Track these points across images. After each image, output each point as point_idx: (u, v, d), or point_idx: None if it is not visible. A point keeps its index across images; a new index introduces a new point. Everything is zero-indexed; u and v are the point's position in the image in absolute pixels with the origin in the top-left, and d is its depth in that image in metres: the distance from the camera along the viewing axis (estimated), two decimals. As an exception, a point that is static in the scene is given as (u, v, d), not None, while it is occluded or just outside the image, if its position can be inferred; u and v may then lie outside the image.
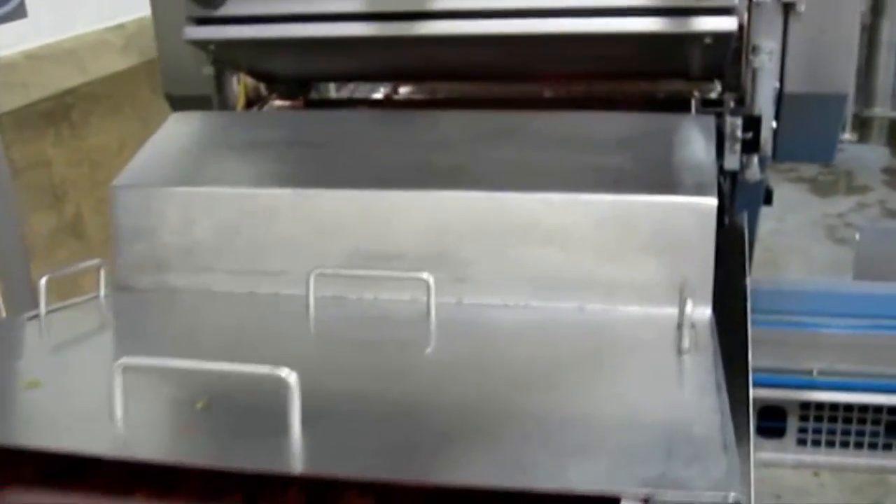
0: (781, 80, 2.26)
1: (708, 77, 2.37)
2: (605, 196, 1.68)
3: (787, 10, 2.20)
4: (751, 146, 2.15)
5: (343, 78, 2.71)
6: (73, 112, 3.62)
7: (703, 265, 1.60)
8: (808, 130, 2.32)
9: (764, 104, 2.22)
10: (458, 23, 1.98)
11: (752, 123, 2.13)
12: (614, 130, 1.92)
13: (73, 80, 3.60)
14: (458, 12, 1.99)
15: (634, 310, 1.61)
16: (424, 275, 1.57)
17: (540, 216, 1.67)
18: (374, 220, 1.73)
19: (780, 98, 2.28)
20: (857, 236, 2.66)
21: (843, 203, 6.16)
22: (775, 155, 2.41)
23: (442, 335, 1.57)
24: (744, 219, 2.26)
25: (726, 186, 2.25)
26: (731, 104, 2.24)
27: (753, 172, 2.20)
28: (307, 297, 1.60)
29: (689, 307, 1.44)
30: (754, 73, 2.14)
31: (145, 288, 1.80)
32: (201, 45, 2.21)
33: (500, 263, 1.67)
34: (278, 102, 2.55)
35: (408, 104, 2.66)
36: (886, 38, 8.02)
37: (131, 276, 1.81)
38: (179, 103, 2.37)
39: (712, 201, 1.63)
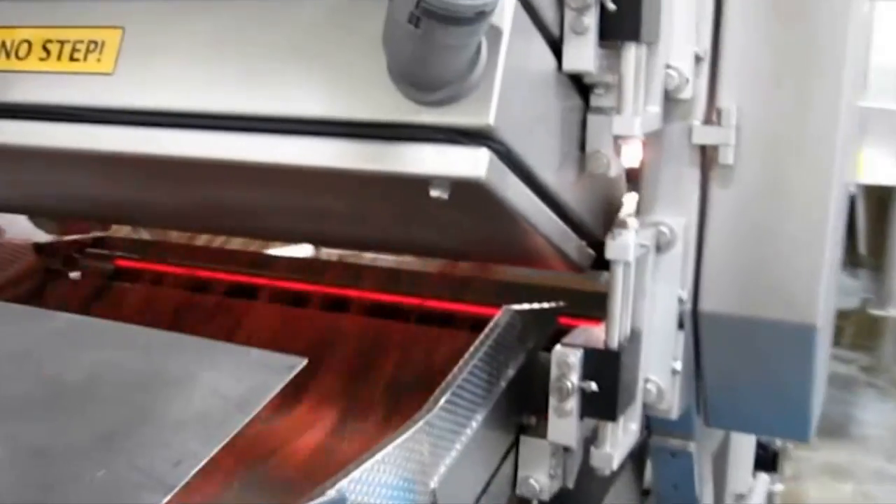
0: (696, 292, 1.22)
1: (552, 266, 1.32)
2: None
3: (705, 160, 1.18)
4: (601, 409, 1.09)
5: None
6: None
7: None
8: (748, 382, 1.26)
9: (649, 328, 1.19)
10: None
11: (603, 365, 1.08)
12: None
13: None
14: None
15: None
16: None
17: None
18: None
19: (695, 318, 1.24)
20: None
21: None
22: (708, 420, 1.35)
23: None
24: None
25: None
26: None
27: (601, 462, 1.14)
28: None
29: None
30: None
31: None
32: None
33: None
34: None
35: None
36: None
37: None
38: None
39: None
